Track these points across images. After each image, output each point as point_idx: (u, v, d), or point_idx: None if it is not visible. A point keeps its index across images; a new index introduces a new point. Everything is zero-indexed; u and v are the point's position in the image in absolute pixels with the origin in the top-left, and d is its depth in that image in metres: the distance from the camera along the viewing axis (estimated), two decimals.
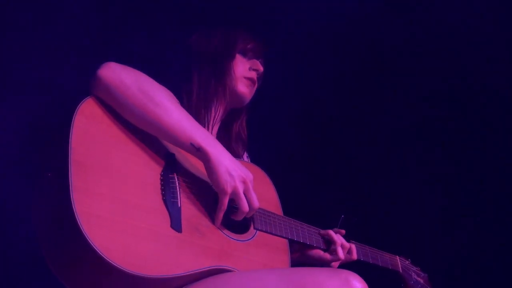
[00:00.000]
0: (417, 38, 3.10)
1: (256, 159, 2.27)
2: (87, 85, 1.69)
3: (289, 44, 2.96)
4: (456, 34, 3.02)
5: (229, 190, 1.70)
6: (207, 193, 1.78)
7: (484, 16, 2.95)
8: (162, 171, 1.70)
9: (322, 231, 2.10)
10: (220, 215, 1.73)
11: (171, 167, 1.72)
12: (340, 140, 3.23)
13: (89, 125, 1.61)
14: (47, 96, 2.27)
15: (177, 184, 1.70)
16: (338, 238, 2.09)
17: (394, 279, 2.34)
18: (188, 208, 1.70)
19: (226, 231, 1.76)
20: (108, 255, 1.45)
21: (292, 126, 3.16)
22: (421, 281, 2.37)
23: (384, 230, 3.06)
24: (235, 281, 1.62)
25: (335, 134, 3.24)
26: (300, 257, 2.12)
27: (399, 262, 2.33)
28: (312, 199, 3.14)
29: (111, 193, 1.55)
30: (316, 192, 3.20)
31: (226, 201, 1.71)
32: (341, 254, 2.07)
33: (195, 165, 1.80)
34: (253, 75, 2.11)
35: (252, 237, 1.83)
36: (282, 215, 1.99)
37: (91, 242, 1.44)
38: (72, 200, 1.45)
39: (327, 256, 2.09)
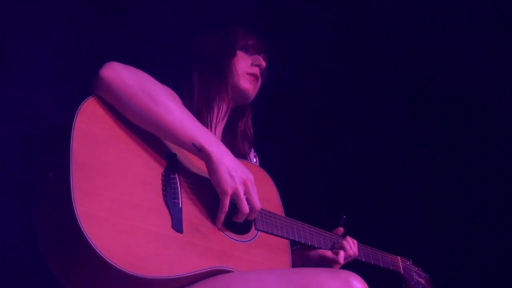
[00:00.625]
0: (417, 38, 3.10)
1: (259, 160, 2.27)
2: (89, 85, 1.68)
3: (293, 44, 2.96)
4: (455, 33, 3.03)
5: (229, 191, 1.70)
6: (208, 194, 1.77)
7: (485, 16, 2.96)
8: (164, 171, 1.69)
9: (329, 235, 2.10)
10: (221, 216, 1.72)
11: (172, 167, 1.72)
12: (341, 140, 3.23)
13: (90, 125, 1.60)
14: (47, 96, 2.27)
15: (178, 185, 1.70)
16: (347, 244, 2.08)
17: (395, 280, 2.33)
18: (190, 209, 1.70)
19: (227, 232, 1.76)
20: (108, 256, 1.45)
21: (292, 126, 3.16)
22: (423, 281, 2.37)
23: (385, 231, 3.06)
24: (236, 282, 1.62)
25: (336, 134, 3.24)
26: (301, 257, 2.11)
27: (400, 263, 2.32)
28: (314, 200, 3.14)
29: (112, 194, 1.54)
30: (318, 192, 3.20)
31: (227, 202, 1.71)
32: (342, 258, 2.05)
33: (197, 166, 1.79)
34: (256, 70, 2.08)
35: (254, 237, 1.83)
36: (284, 215, 1.99)
37: (91, 243, 1.43)
38: (73, 200, 1.45)
39: (329, 257, 2.08)
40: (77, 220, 1.43)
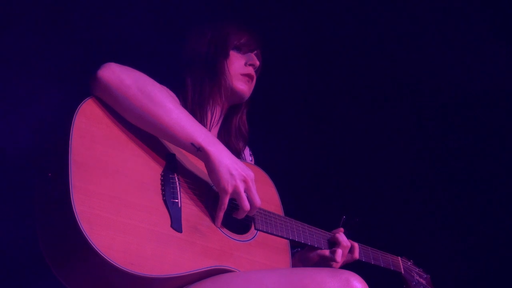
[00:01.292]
0: (417, 36, 3.10)
1: (256, 159, 2.26)
2: (87, 85, 1.69)
3: (287, 44, 2.96)
4: (455, 33, 3.03)
5: (230, 189, 1.69)
6: (207, 193, 1.78)
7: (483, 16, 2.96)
8: (163, 171, 1.70)
9: (328, 234, 2.09)
10: (221, 214, 1.72)
11: (171, 167, 1.72)
12: (342, 140, 3.23)
13: (89, 125, 1.61)
14: (47, 97, 2.27)
15: (177, 184, 1.70)
16: (343, 240, 2.06)
17: (396, 280, 2.33)
18: (189, 208, 1.70)
19: (226, 231, 1.76)
20: (108, 255, 1.45)
21: (292, 126, 3.16)
22: (424, 282, 2.36)
23: (386, 231, 3.06)
24: (236, 282, 1.62)
25: (337, 134, 3.23)
26: (301, 259, 2.10)
27: (401, 263, 2.32)
28: (313, 200, 3.14)
29: (111, 193, 1.55)
30: (318, 192, 3.19)
31: (226, 200, 1.71)
32: (339, 257, 2.03)
33: (195, 165, 1.79)
34: (250, 70, 2.05)
35: (253, 237, 1.82)
36: (283, 215, 1.99)
37: (91, 242, 1.44)
38: (72, 200, 1.45)
39: (327, 257, 2.07)
40: (77, 220, 1.44)
